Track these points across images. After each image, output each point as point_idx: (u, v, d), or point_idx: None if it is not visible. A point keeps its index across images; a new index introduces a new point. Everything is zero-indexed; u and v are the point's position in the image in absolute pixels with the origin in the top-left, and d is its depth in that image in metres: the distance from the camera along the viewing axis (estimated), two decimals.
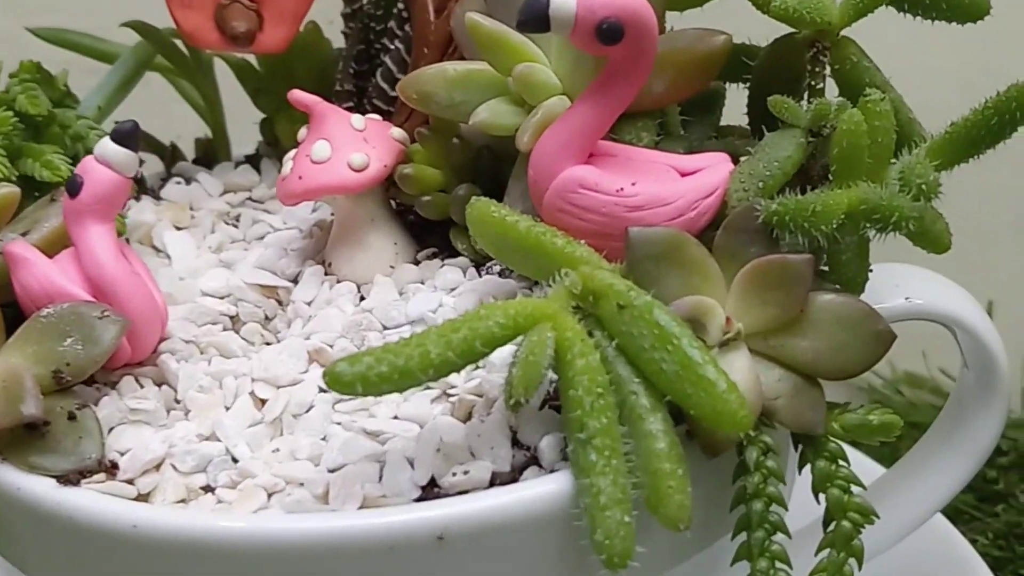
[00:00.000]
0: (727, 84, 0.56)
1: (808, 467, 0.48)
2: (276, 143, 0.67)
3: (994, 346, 0.58)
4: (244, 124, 0.71)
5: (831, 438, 0.48)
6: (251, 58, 0.68)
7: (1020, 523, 0.83)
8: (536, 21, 0.47)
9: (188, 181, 0.65)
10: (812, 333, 0.47)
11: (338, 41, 0.67)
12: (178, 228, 0.62)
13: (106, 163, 0.50)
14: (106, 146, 0.50)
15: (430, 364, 0.43)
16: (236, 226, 0.62)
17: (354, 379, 0.42)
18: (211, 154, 0.69)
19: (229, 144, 0.70)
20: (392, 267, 0.56)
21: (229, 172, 0.66)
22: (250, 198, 0.64)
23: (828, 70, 0.51)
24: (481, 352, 0.44)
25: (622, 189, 0.49)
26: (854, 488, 0.48)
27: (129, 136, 0.50)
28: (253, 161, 0.68)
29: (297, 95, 0.56)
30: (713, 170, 0.50)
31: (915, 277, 0.56)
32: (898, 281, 0.54)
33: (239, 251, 0.60)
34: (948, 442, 0.62)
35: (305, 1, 0.61)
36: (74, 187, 0.49)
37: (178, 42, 0.66)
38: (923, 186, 0.46)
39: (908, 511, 0.62)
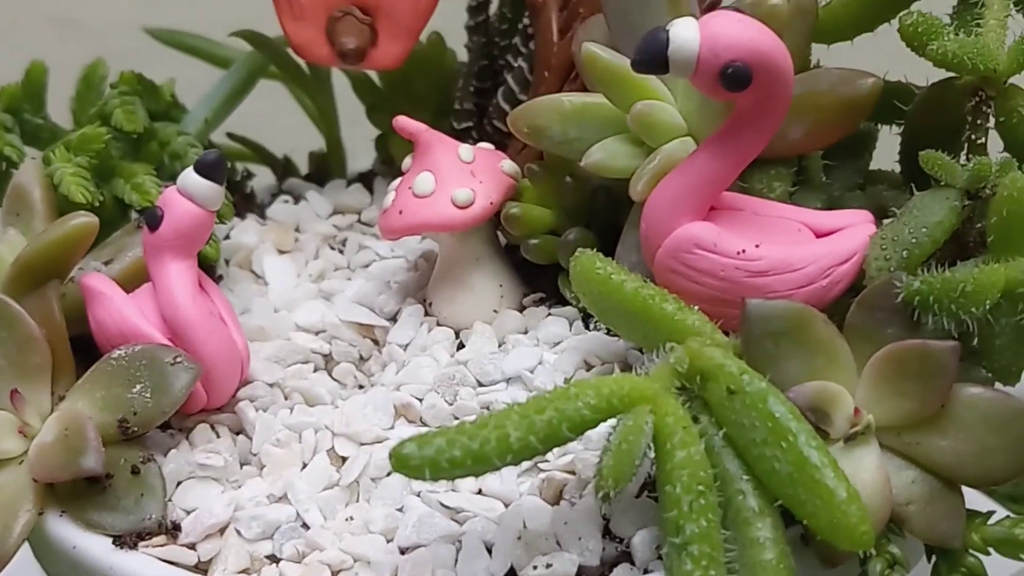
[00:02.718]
0: (879, 125, 0.50)
1: None
2: (391, 161, 0.63)
3: None
4: (364, 137, 0.67)
5: (970, 551, 0.42)
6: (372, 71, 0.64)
7: None
8: (654, 62, 0.41)
9: (297, 199, 0.62)
10: (954, 432, 0.42)
11: (463, 54, 0.63)
12: (281, 251, 0.58)
13: (188, 196, 0.46)
14: (189, 177, 0.46)
15: (508, 449, 0.39)
16: (341, 251, 0.59)
17: (422, 463, 0.38)
18: (325, 169, 0.66)
19: (345, 159, 0.66)
20: (495, 311, 0.52)
21: (340, 191, 0.63)
22: (359, 220, 0.61)
23: (992, 122, 0.45)
24: (567, 437, 0.39)
25: (744, 251, 0.44)
26: None
27: (214, 168, 0.46)
28: (367, 179, 0.64)
29: (402, 122, 0.52)
30: (852, 232, 0.45)
31: None
32: None
33: (341, 280, 0.56)
34: None
35: (423, 15, 0.56)
36: (154, 220, 0.46)
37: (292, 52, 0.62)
38: None
39: None
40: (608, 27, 0.49)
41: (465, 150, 0.52)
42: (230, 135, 0.64)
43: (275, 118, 0.67)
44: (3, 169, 0.55)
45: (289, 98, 0.67)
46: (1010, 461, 0.41)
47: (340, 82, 0.66)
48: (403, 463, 0.38)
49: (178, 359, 0.45)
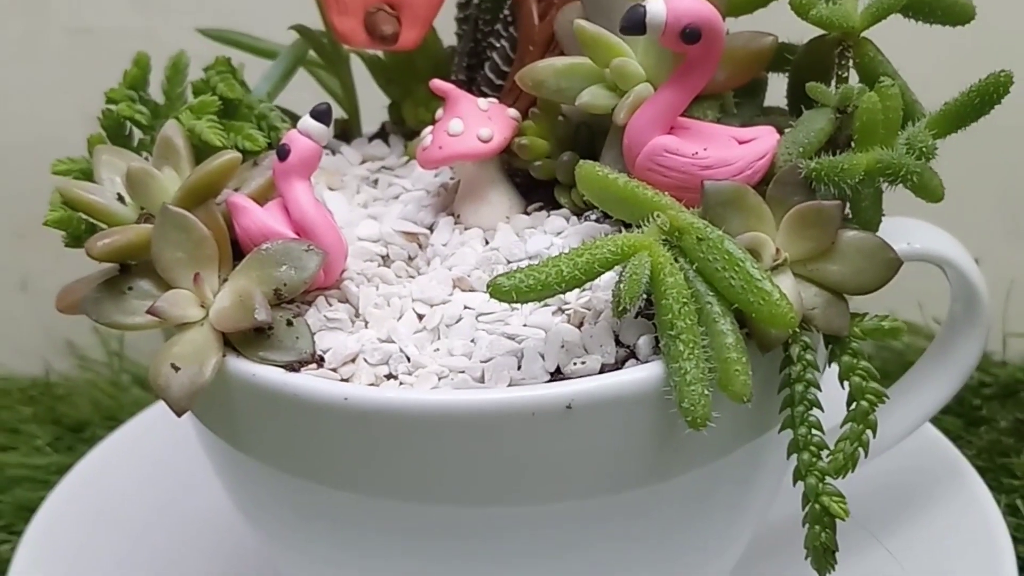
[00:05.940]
0: (770, 74, 0.72)
1: (836, 362, 0.64)
2: (402, 123, 0.83)
3: (976, 281, 0.74)
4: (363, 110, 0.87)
5: (853, 339, 0.64)
6: (379, 54, 0.83)
7: (1000, 441, 0.99)
8: (636, 27, 0.62)
9: (333, 152, 0.81)
10: (840, 260, 0.60)
11: (448, 41, 0.83)
12: (331, 189, 0.78)
13: (307, 134, 0.65)
14: (307, 121, 0.65)
15: (563, 279, 0.59)
16: (375, 188, 0.78)
17: (511, 289, 0.58)
18: (347, 132, 0.85)
19: (360, 123, 0.85)
20: (508, 218, 0.72)
21: (364, 146, 0.82)
22: (384, 166, 0.80)
23: (851, 63, 0.67)
24: (598, 272, 0.60)
25: (696, 153, 0.64)
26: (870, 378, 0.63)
27: (325, 114, 0.65)
28: (381, 136, 0.84)
29: (437, 83, 0.72)
30: (764, 139, 0.66)
31: (914, 227, 0.71)
32: (901, 230, 0.67)
33: (381, 207, 0.76)
34: (940, 361, 0.78)
35: (434, 8, 0.76)
36: (283, 153, 0.65)
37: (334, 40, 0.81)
38: (923, 149, 0.61)
39: (907, 417, 0.78)
40: (584, 9, 0.70)
41: (482, 102, 0.72)
42: (276, 107, 0.83)
43: (294, 96, 0.86)
44: (129, 132, 0.74)
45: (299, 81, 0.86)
46: (876, 277, 0.61)
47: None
48: (498, 290, 0.58)
49: (310, 247, 0.64)
